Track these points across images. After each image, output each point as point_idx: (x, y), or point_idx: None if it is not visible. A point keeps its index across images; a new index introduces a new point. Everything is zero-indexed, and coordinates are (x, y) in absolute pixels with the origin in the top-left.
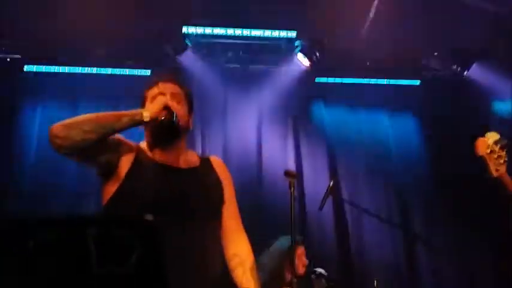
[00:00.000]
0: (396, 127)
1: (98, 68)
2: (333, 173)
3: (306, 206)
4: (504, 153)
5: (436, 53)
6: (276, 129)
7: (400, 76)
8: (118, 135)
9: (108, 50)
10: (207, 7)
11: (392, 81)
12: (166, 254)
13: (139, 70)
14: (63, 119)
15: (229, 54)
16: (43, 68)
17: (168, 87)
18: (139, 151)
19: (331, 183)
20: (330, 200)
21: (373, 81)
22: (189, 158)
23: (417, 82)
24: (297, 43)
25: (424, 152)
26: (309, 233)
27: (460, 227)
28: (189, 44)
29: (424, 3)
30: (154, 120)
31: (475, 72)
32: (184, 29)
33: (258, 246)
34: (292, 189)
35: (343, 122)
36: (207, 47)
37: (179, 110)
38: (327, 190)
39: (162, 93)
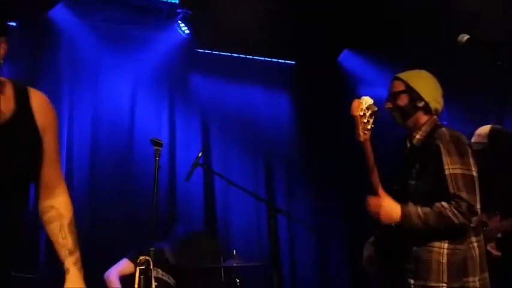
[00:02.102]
0: (269, 103)
1: None
2: (205, 144)
3: (176, 176)
4: (372, 120)
5: (310, 36)
6: (151, 96)
7: (277, 55)
8: None
9: None
10: None
11: (269, 59)
12: None
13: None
14: None
15: (107, 12)
16: None
17: None
18: None
19: (200, 154)
20: (200, 171)
21: (250, 57)
22: (2, 102)
23: (292, 62)
24: (179, 10)
25: (294, 129)
26: (177, 203)
27: (320, 201)
28: None
29: None
30: None
31: (346, 58)
32: None
33: (125, 214)
34: (157, 158)
35: (218, 94)
36: (81, 1)
37: None
38: (194, 161)
39: None
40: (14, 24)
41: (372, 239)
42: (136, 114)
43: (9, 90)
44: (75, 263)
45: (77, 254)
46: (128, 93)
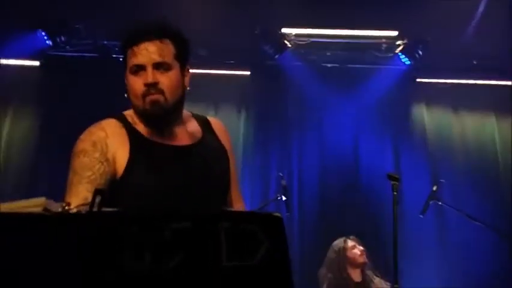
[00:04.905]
0: (503, 130)
1: (198, 70)
2: (434, 178)
3: (405, 211)
4: None
5: None
6: (375, 130)
7: (508, 76)
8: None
9: (210, 50)
10: (306, 8)
11: (499, 82)
12: None
13: (239, 71)
14: None
15: (328, 53)
16: None
17: (147, 53)
18: (130, 132)
19: (435, 187)
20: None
21: (478, 81)
22: (190, 127)
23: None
24: (398, 42)
25: None
26: (408, 238)
27: None
28: (288, 44)
29: None
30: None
31: None
32: (284, 30)
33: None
34: (395, 193)
35: (445, 124)
36: (305, 46)
37: (166, 83)
38: (429, 195)
39: (141, 65)
40: (248, 73)
41: None
42: (360, 148)
43: (192, 119)
44: None
45: None
46: (351, 128)
